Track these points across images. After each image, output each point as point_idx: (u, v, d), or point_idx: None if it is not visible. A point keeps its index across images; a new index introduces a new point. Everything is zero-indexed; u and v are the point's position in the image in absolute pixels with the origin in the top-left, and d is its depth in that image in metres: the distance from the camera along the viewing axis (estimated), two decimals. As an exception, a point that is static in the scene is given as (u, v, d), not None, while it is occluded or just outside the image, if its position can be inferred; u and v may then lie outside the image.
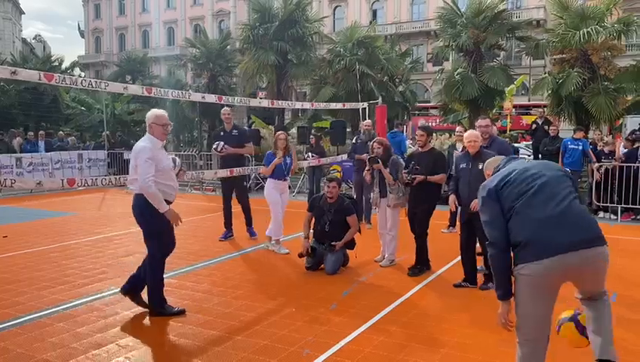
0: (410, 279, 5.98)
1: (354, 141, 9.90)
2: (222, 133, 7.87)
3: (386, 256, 6.56)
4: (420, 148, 6.32)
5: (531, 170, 3.01)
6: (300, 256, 6.38)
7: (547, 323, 2.93)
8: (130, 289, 4.88)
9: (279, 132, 7.98)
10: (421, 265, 6.19)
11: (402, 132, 11.84)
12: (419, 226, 6.19)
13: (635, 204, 9.86)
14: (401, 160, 6.71)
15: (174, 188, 4.78)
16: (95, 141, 20.34)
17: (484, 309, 4.95)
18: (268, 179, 7.52)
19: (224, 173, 7.52)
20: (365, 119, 12.48)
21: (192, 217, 7.32)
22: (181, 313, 4.76)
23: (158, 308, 4.76)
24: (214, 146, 7.76)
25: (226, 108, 8.02)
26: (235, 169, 7.68)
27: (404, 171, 6.24)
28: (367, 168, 6.57)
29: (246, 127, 8.11)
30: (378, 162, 6.32)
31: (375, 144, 6.56)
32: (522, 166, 3.08)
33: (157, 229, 4.63)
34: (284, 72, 21.44)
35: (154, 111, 4.76)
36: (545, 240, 2.79)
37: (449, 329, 4.48)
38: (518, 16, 31.09)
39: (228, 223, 8.10)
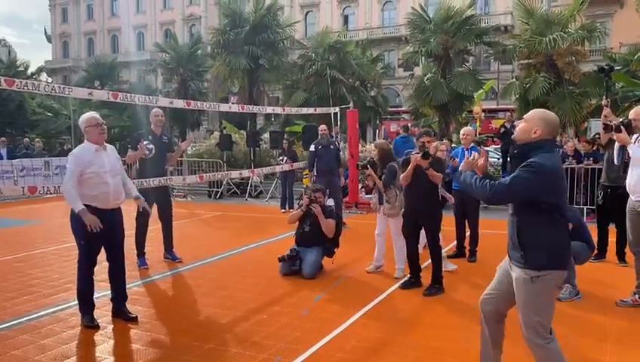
0: (382, 283, 5.99)
1: (313, 148, 9.68)
2: (150, 137, 6.70)
3: (397, 267, 6.26)
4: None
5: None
6: (280, 259, 6.36)
7: None
8: (116, 311, 4.87)
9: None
10: (439, 284, 5.64)
11: (413, 135, 11.58)
12: (431, 243, 5.73)
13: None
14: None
15: (108, 192, 4.57)
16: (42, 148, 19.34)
17: (456, 313, 5.00)
18: None
19: (193, 178, 7.37)
20: (337, 124, 12.54)
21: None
22: (95, 327, 4.59)
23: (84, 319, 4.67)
24: (148, 145, 6.48)
25: (157, 109, 6.97)
26: (159, 179, 6.83)
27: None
28: (367, 174, 6.41)
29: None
30: (367, 168, 6.25)
31: (375, 148, 6.48)
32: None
33: (78, 238, 4.61)
34: (255, 77, 21.41)
35: (83, 116, 4.71)
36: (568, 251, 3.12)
37: (422, 333, 4.50)
38: (486, 21, 31.72)
39: (143, 246, 6.86)
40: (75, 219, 4.56)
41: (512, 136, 3.19)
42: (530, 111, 3.17)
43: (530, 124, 3.06)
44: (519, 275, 3.01)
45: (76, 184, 4.47)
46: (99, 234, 4.56)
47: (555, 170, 2.96)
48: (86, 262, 4.64)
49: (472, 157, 3.27)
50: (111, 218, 4.66)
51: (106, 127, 4.73)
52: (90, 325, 4.61)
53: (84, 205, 4.49)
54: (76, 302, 4.88)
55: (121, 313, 4.83)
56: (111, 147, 4.84)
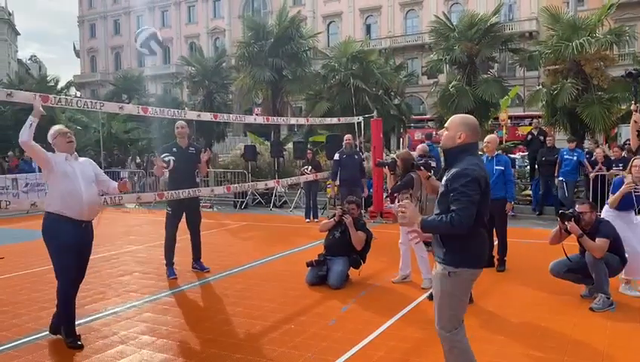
0: (410, 293, 5.96)
1: (337, 157, 9.71)
2: (174, 150, 6.79)
3: (423, 277, 6.21)
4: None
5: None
6: (308, 264, 6.39)
7: None
8: (55, 329, 4.73)
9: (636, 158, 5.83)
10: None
11: (438, 143, 11.43)
12: None
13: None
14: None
15: (82, 200, 4.44)
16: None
17: (486, 323, 4.94)
18: (606, 210, 6.09)
19: (221, 189, 7.46)
20: (361, 133, 12.56)
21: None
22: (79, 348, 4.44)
23: (68, 340, 4.52)
24: (166, 158, 6.59)
25: (180, 122, 7.02)
26: (190, 190, 6.91)
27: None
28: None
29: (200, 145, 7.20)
30: (384, 166, 6.53)
31: (397, 158, 6.54)
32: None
33: (54, 252, 4.52)
34: (279, 88, 21.54)
35: (50, 130, 4.72)
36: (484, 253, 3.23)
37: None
38: (510, 28, 31.43)
39: (172, 256, 6.92)
40: (48, 232, 4.49)
41: (440, 146, 3.25)
42: (450, 119, 3.25)
43: (454, 130, 3.14)
44: (439, 270, 3.17)
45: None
46: (72, 246, 4.47)
47: (483, 176, 3.06)
48: (67, 283, 4.55)
49: (402, 210, 3.23)
50: (83, 233, 4.56)
51: (73, 137, 4.73)
52: (75, 345, 4.48)
53: (58, 215, 4.41)
54: (108, 311, 4.96)
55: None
56: (85, 159, 4.83)
